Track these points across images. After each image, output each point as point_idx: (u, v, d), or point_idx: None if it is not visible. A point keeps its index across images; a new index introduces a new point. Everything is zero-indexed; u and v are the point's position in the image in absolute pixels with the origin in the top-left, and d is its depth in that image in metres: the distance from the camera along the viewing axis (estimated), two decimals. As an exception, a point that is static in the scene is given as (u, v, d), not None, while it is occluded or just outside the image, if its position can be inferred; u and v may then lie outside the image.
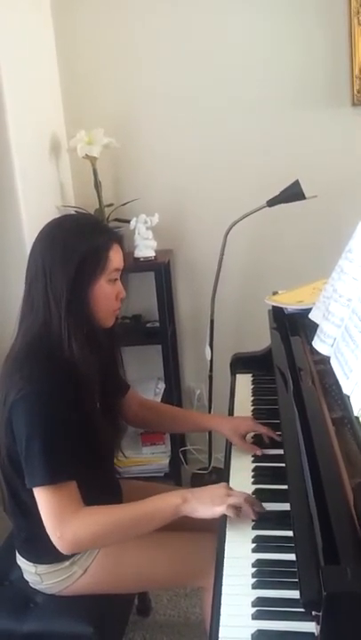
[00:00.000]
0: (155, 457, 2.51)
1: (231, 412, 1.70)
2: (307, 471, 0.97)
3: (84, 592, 1.32)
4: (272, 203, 2.23)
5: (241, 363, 1.95)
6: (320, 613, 0.65)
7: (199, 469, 2.63)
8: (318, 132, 2.41)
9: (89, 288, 1.27)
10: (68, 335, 1.24)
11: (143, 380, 2.55)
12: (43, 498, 1.16)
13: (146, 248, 2.33)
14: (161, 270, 2.36)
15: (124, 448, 2.50)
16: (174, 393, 2.57)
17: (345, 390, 1.17)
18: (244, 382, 1.89)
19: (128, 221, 2.36)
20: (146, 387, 2.54)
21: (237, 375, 1.93)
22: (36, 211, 2.07)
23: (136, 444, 2.53)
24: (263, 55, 2.38)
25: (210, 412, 2.47)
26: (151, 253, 2.35)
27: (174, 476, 2.51)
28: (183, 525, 1.27)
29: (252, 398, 1.77)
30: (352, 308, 1.33)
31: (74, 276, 1.25)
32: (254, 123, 2.42)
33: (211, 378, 2.48)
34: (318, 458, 0.99)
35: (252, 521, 1.15)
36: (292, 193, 2.19)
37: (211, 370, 2.47)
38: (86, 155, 2.26)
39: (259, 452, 1.42)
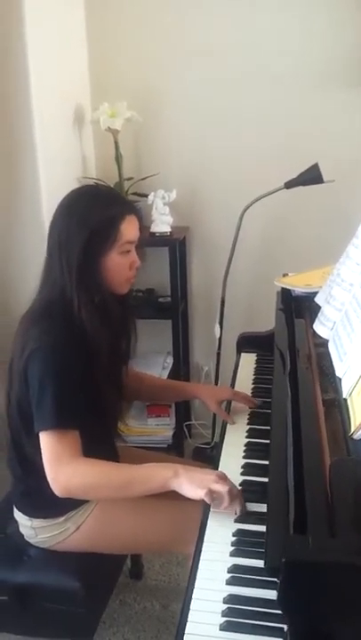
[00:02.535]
0: (159, 428, 2.56)
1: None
2: (290, 446, 1.00)
3: (75, 549, 1.38)
4: (290, 185, 2.23)
5: (247, 342, 1.98)
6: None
7: (202, 444, 2.68)
8: (340, 115, 2.39)
9: (100, 258, 1.31)
10: (78, 303, 1.29)
11: (152, 353, 2.60)
12: (47, 441, 1.22)
13: (162, 223, 2.35)
14: (175, 246, 2.38)
15: (131, 418, 2.60)
16: (182, 368, 2.61)
17: (338, 373, 1.20)
18: (249, 361, 1.92)
19: (146, 196, 2.38)
20: (155, 360, 2.59)
21: (243, 354, 1.96)
22: (56, 181, 2.10)
23: (142, 415, 2.58)
24: (290, 35, 2.35)
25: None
26: (167, 229, 2.37)
27: (177, 449, 2.57)
28: (175, 493, 1.32)
29: (253, 377, 1.79)
30: (353, 292, 1.34)
31: (85, 245, 1.29)
32: (277, 102, 2.40)
33: (219, 355, 2.51)
34: (303, 435, 1.02)
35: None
36: (311, 176, 2.19)
37: (219, 348, 2.50)
38: (108, 127, 2.27)
39: (230, 421, 1.51)
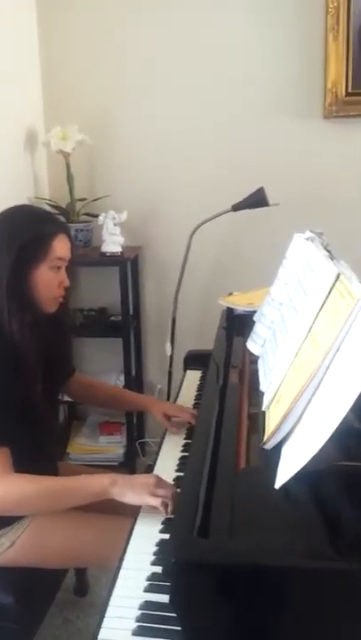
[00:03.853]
0: (111, 446, 2.58)
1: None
2: (208, 456, 1.04)
3: (10, 564, 1.38)
4: (237, 207, 2.31)
5: (194, 359, 2.02)
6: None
7: (155, 461, 2.69)
8: (289, 142, 2.49)
9: (30, 272, 1.34)
10: (8, 316, 1.31)
11: (104, 371, 2.62)
12: None
13: (112, 243, 2.40)
14: (126, 266, 2.43)
15: (82, 436, 2.61)
16: (134, 386, 2.64)
17: (262, 387, 1.25)
18: (194, 378, 1.96)
19: (97, 216, 2.42)
20: (107, 378, 2.61)
21: (189, 371, 2.00)
22: (7, 200, 2.13)
23: (94, 433, 2.60)
24: (240, 65, 2.46)
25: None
26: (117, 249, 2.42)
27: (129, 466, 2.58)
28: (107, 508, 1.34)
29: (195, 393, 1.84)
30: (281, 311, 1.40)
31: (15, 259, 1.32)
32: (226, 129, 2.49)
33: (170, 373, 2.55)
34: (221, 445, 1.06)
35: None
36: (257, 199, 2.27)
37: (171, 365, 2.54)
38: (60, 149, 2.33)
39: (174, 430, 1.56)
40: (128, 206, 2.47)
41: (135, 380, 2.68)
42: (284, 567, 0.71)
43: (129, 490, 1.21)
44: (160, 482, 1.23)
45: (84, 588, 1.97)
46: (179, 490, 1.22)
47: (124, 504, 1.26)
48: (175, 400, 1.82)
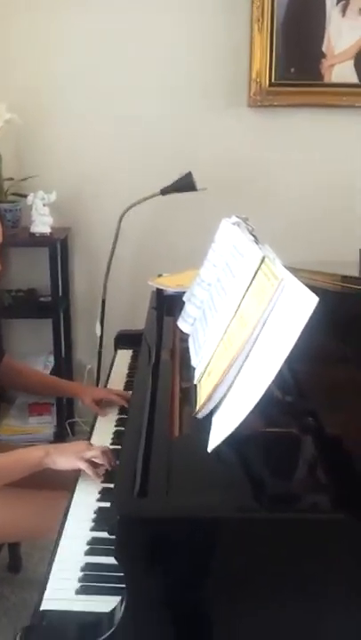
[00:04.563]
0: (40, 427, 2.60)
1: (106, 384, 1.83)
2: (143, 424, 1.11)
3: None
4: (165, 191, 2.37)
5: (124, 339, 2.08)
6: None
7: (90, 438, 2.73)
8: (215, 130, 2.57)
9: None
10: None
11: (34, 352, 2.63)
12: None
13: (42, 224, 2.40)
14: (56, 246, 2.44)
15: (11, 417, 2.62)
16: (64, 367, 2.67)
17: (193, 363, 1.33)
18: (125, 357, 2.01)
19: (26, 196, 2.41)
20: (36, 360, 2.63)
21: (119, 350, 2.05)
22: None
23: (23, 414, 2.61)
24: (169, 54, 2.50)
25: (97, 385, 2.59)
26: (47, 229, 2.42)
27: (59, 446, 2.61)
28: (42, 484, 1.39)
29: (127, 371, 1.90)
30: (210, 291, 1.49)
31: None
32: (156, 114, 2.54)
33: (100, 354, 2.60)
34: (155, 415, 1.13)
35: (103, 475, 1.27)
36: (184, 184, 2.34)
37: (100, 346, 2.59)
38: (-13, 128, 2.29)
39: (102, 414, 1.61)
40: (57, 187, 2.47)
41: (65, 361, 2.70)
42: (216, 518, 0.80)
43: (60, 457, 1.27)
44: (89, 446, 1.30)
45: (17, 564, 2.00)
46: (118, 462, 1.29)
47: (59, 479, 1.32)
48: (107, 378, 1.87)
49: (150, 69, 2.51)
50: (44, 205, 2.40)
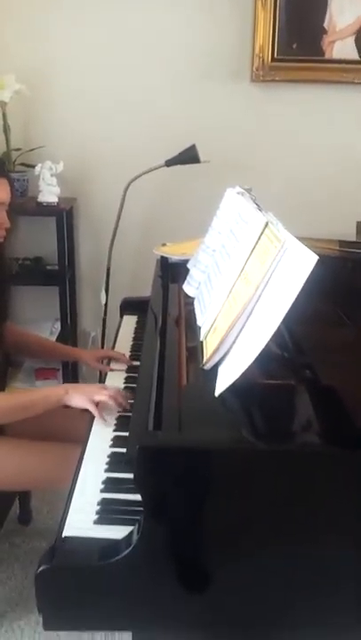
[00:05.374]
0: (47, 390, 2.69)
1: (113, 347, 1.92)
2: (154, 377, 1.21)
3: None
4: (170, 163, 2.44)
5: (129, 306, 2.17)
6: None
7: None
8: (219, 103, 2.63)
9: None
10: None
11: (40, 319, 2.72)
12: None
13: (49, 194, 2.47)
14: (63, 216, 2.51)
15: (18, 381, 2.71)
16: (69, 334, 2.76)
17: (198, 323, 1.43)
18: (130, 323, 2.11)
19: (33, 167, 2.48)
20: (42, 326, 2.71)
21: (125, 316, 2.15)
22: None
23: (29, 378, 2.71)
24: (175, 26, 2.55)
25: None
26: (54, 199, 2.49)
27: (64, 410, 2.72)
28: (55, 437, 1.50)
29: (133, 336, 1.99)
30: (215, 257, 1.58)
31: None
32: (162, 86, 2.60)
33: (105, 321, 2.69)
34: (165, 367, 1.23)
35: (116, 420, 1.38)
36: (189, 156, 2.41)
37: (105, 314, 2.68)
38: (-4, 98, 2.35)
39: (107, 369, 1.71)
40: (64, 158, 2.53)
41: (70, 328, 2.79)
42: (222, 449, 0.91)
43: (77, 395, 1.39)
44: (101, 389, 1.42)
45: (27, 517, 2.12)
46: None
47: (73, 431, 1.43)
48: (114, 341, 1.96)
49: (155, 43, 2.56)
50: (51, 175, 2.47)
